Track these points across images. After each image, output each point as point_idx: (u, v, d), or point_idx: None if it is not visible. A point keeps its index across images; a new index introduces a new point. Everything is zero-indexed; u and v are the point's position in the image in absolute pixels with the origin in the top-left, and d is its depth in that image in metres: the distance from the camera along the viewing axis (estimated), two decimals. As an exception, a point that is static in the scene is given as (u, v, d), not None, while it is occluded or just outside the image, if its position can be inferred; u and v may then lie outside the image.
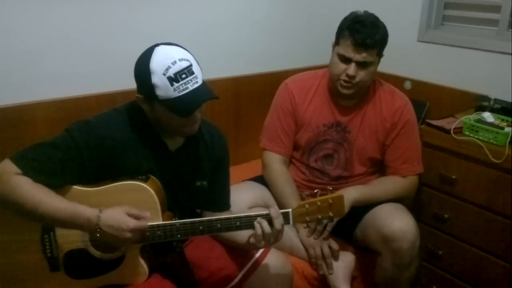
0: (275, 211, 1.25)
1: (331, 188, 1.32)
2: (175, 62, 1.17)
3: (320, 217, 1.28)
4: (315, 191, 1.29)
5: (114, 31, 1.85)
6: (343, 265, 1.67)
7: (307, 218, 1.28)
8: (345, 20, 1.65)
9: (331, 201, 1.27)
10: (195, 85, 1.19)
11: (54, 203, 1.15)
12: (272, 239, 1.26)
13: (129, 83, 1.88)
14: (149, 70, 1.17)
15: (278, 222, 1.24)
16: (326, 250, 1.63)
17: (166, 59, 1.17)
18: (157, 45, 1.22)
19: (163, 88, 1.17)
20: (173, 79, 1.16)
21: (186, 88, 1.18)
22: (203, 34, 2.11)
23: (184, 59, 1.19)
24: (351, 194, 1.65)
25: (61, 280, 1.27)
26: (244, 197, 1.65)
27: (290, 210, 1.28)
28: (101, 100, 1.81)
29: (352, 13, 1.67)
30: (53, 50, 1.72)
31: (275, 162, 1.80)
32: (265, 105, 1.92)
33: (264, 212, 1.26)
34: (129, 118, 1.30)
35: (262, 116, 1.90)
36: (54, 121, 1.73)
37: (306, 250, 1.66)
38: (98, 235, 1.17)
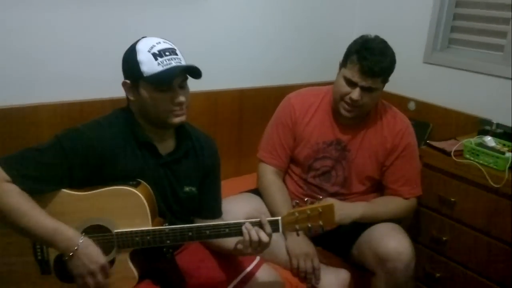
0: (264, 219, 1.25)
1: (321, 198, 1.31)
2: (159, 42, 1.25)
3: (310, 225, 1.26)
4: (305, 199, 1.29)
5: (121, 37, 1.85)
6: (337, 282, 1.66)
7: (297, 227, 1.27)
8: (355, 43, 1.62)
9: (321, 210, 1.25)
10: (179, 63, 1.24)
11: (37, 217, 1.14)
12: (259, 247, 1.25)
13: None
14: (135, 50, 1.24)
15: (266, 229, 1.24)
16: (309, 265, 1.62)
17: (151, 41, 1.25)
18: (143, 37, 1.29)
19: (148, 63, 1.21)
20: (158, 54, 1.22)
21: (170, 64, 1.22)
22: (212, 46, 2.14)
23: (168, 43, 1.27)
24: (358, 209, 1.65)
25: (52, 283, 1.27)
26: (240, 209, 1.64)
27: (279, 218, 1.27)
28: (106, 105, 1.83)
29: (362, 37, 1.64)
30: (59, 53, 1.75)
31: (269, 173, 1.81)
32: (268, 118, 1.93)
33: (254, 220, 1.26)
34: (118, 123, 1.31)
35: (265, 129, 1.90)
36: (58, 123, 1.74)
37: (290, 259, 1.65)
38: (68, 257, 1.15)
